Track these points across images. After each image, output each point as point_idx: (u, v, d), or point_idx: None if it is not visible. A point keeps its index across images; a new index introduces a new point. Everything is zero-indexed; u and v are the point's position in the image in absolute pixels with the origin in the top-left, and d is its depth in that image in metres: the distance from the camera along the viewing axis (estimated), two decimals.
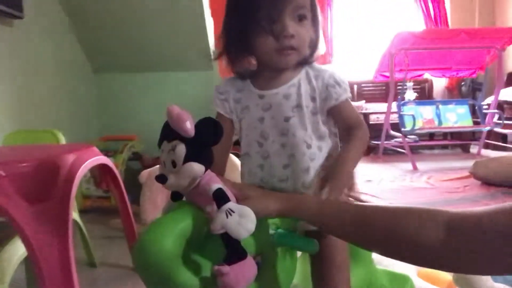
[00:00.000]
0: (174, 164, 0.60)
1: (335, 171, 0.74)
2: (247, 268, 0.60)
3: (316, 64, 0.81)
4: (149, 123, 2.92)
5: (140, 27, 2.67)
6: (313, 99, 0.78)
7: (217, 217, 0.58)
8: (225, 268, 0.57)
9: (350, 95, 0.80)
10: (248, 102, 0.81)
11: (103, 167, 1.46)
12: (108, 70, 2.95)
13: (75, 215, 1.56)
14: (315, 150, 0.79)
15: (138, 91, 2.99)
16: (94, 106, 2.95)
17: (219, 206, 0.60)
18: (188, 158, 0.59)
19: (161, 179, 0.60)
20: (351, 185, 0.77)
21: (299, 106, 0.78)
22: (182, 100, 2.97)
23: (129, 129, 2.83)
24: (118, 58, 2.89)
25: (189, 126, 0.59)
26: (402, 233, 0.55)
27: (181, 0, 2.51)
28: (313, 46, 0.79)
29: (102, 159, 1.36)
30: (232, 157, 1.82)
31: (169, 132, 0.61)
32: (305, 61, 0.80)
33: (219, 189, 0.61)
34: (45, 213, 1.04)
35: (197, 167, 0.60)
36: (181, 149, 0.59)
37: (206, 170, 0.63)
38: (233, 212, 0.59)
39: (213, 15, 3.19)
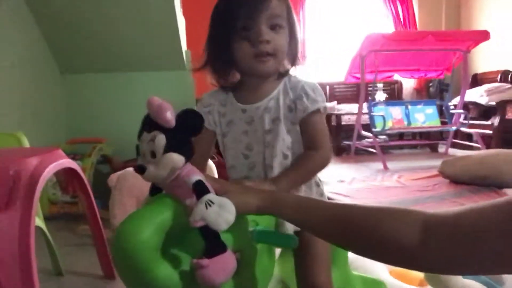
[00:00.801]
0: (153, 154, 0.59)
1: (267, 181, 0.76)
2: (227, 262, 0.60)
3: (293, 76, 0.84)
4: (118, 125, 2.86)
5: (109, 25, 2.59)
6: (290, 109, 0.80)
7: (197, 208, 0.58)
8: (204, 261, 0.57)
9: (321, 105, 0.80)
10: (232, 116, 0.83)
11: (69, 171, 1.41)
12: (75, 70, 2.85)
13: (39, 222, 1.49)
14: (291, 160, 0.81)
15: (107, 92, 2.91)
16: (61, 108, 2.84)
17: (198, 197, 0.59)
18: (168, 149, 0.59)
19: (140, 169, 0.59)
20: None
21: (277, 118, 0.80)
22: None
23: (97, 131, 2.74)
24: (86, 58, 2.79)
25: (170, 116, 0.59)
26: (378, 233, 0.55)
27: (151, 0, 2.46)
28: (293, 57, 0.82)
29: (67, 162, 1.30)
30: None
31: (149, 123, 0.61)
32: (286, 73, 0.83)
33: (199, 181, 0.61)
34: (5, 221, 0.98)
35: (177, 158, 0.60)
36: (161, 139, 0.59)
37: (186, 161, 0.62)
38: (213, 203, 0.58)
39: (185, 14, 3.14)
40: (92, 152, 2.38)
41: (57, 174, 1.69)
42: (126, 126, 2.86)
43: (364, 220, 0.58)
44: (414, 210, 0.55)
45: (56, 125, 2.79)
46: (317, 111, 0.79)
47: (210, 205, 0.58)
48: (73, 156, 2.32)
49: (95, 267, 1.60)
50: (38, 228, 1.40)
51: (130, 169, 1.93)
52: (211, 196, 0.60)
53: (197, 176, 0.62)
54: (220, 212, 0.59)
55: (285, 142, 0.80)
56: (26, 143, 1.66)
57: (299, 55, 0.83)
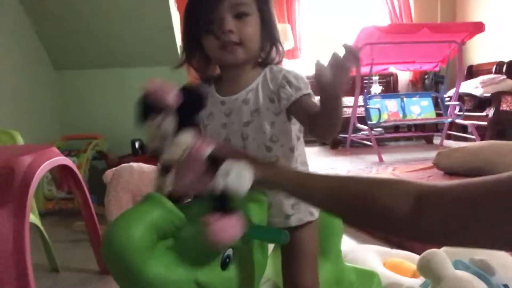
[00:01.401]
0: (164, 138, 0.62)
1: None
2: (234, 224, 0.61)
3: (275, 66, 0.82)
4: (113, 121, 2.85)
5: (104, 21, 2.58)
6: (271, 100, 0.79)
7: (216, 178, 0.61)
8: (213, 218, 0.58)
9: (305, 92, 0.77)
10: (212, 108, 0.82)
11: (64, 168, 1.41)
12: (70, 66, 2.84)
13: (35, 218, 1.49)
14: (280, 151, 0.79)
15: (102, 88, 2.89)
16: (55, 104, 2.83)
17: (216, 166, 0.62)
18: (177, 130, 0.62)
19: (155, 153, 0.62)
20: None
21: (257, 110, 0.78)
22: None
23: (93, 127, 2.74)
24: (80, 54, 2.78)
25: (173, 98, 0.61)
26: (374, 201, 0.55)
27: None
28: (269, 45, 0.80)
29: (62, 159, 1.30)
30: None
31: (151, 106, 0.62)
32: (265, 62, 0.81)
33: (212, 154, 0.64)
34: None
35: (187, 137, 0.63)
36: (169, 122, 0.62)
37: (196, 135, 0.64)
38: (231, 170, 0.61)
39: (179, 10, 3.13)
40: (87, 148, 2.38)
41: (52, 171, 1.69)
42: (121, 122, 2.87)
43: (358, 189, 0.59)
44: (410, 180, 0.55)
45: (51, 122, 2.78)
46: (303, 96, 0.77)
47: (229, 173, 0.61)
48: (68, 152, 2.32)
49: (91, 262, 1.61)
50: (33, 225, 1.41)
51: (126, 165, 1.93)
52: (228, 163, 0.62)
53: (208, 149, 0.64)
54: (239, 178, 0.62)
55: (267, 134, 0.78)
56: (20, 141, 1.65)
57: (277, 41, 0.81)
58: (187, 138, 0.63)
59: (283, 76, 0.78)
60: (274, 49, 0.81)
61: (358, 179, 0.62)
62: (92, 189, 1.54)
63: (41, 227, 1.54)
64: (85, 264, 1.65)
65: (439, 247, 1.00)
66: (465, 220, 0.47)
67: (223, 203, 0.62)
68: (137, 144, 2.59)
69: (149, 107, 0.62)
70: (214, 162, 0.63)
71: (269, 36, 0.80)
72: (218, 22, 0.74)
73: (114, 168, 1.93)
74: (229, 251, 0.67)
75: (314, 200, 0.66)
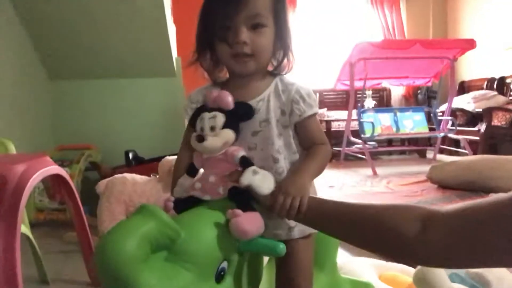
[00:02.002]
0: (212, 128, 0.72)
1: (289, 180, 0.73)
2: (257, 218, 0.69)
3: (286, 77, 0.82)
4: (107, 132, 2.84)
5: (99, 31, 2.58)
6: (283, 112, 0.79)
7: (245, 173, 0.70)
8: (239, 211, 0.66)
9: (316, 111, 0.79)
10: None
11: (57, 178, 1.39)
12: (64, 76, 2.83)
13: (25, 229, 1.47)
14: (284, 164, 0.78)
15: (97, 98, 2.89)
16: (49, 114, 2.81)
17: (245, 167, 0.72)
18: (225, 126, 0.73)
19: (200, 138, 0.71)
20: (303, 196, 0.71)
21: (267, 120, 0.78)
22: (143, 107, 2.90)
23: (86, 138, 2.72)
24: (75, 64, 2.77)
25: (231, 99, 0.74)
26: (383, 225, 0.57)
27: (142, 6, 2.46)
28: (282, 54, 0.80)
29: (55, 169, 1.29)
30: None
31: (207, 108, 0.75)
32: (275, 72, 0.81)
33: (245, 156, 0.74)
34: None
35: (231, 133, 0.74)
36: (221, 117, 0.73)
37: (235, 140, 0.75)
38: (258, 172, 0.71)
39: (175, 22, 3.15)
40: (81, 158, 2.36)
41: (44, 180, 1.66)
42: (115, 133, 2.87)
43: (366, 213, 0.61)
44: (415, 206, 0.57)
45: (44, 131, 2.76)
46: (313, 115, 0.79)
47: (256, 173, 0.71)
48: (61, 162, 2.29)
49: (82, 274, 1.58)
50: (23, 235, 1.38)
51: (119, 175, 1.91)
52: (255, 168, 0.72)
53: (243, 152, 0.75)
54: (264, 179, 0.71)
55: (275, 145, 0.78)
56: (12, 149, 1.63)
57: (290, 51, 0.81)
58: (229, 134, 0.73)
59: (296, 90, 0.78)
60: (286, 58, 0.81)
61: (366, 205, 0.64)
62: (84, 200, 1.52)
63: (32, 238, 1.51)
64: (76, 276, 1.62)
65: None
66: (472, 243, 0.48)
67: (245, 202, 0.70)
68: (130, 155, 2.58)
69: (205, 109, 0.75)
70: (244, 164, 0.72)
71: (283, 46, 0.79)
72: (233, 31, 0.74)
73: (107, 179, 1.92)
74: (224, 264, 0.66)
75: (322, 225, 0.69)
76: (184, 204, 0.73)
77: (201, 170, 0.80)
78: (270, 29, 0.76)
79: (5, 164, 1.11)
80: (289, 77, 0.82)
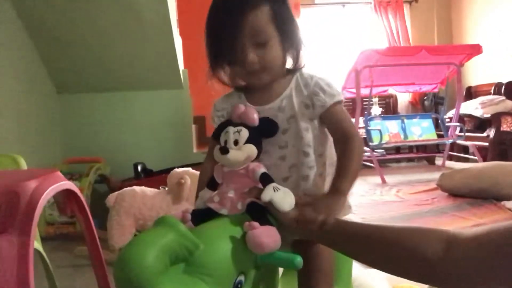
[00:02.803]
0: (236, 142, 0.74)
1: (322, 196, 0.73)
2: (274, 233, 0.68)
3: (304, 72, 0.82)
4: (116, 144, 2.86)
5: (107, 45, 2.61)
6: (307, 106, 0.79)
7: (267, 189, 0.71)
8: (256, 224, 0.66)
9: (339, 99, 0.79)
10: None
11: (67, 192, 1.39)
12: (73, 90, 2.86)
13: (37, 244, 1.47)
14: (313, 157, 0.79)
15: (105, 111, 2.91)
16: (57, 128, 2.84)
17: (266, 183, 0.72)
18: (248, 141, 0.74)
19: (225, 150, 0.73)
20: (329, 215, 0.69)
21: (293, 116, 0.79)
22: (151, 119, 2.92)
23: (95, 151, 2.73)
24: (83, 78, 2.80)
25: (256, 116, 0.76)
26: (406, 247, 0.57)
27: (149, 19, 2.48)
28: (296, 53, 0.81)
29: (67, 184, 1.29)
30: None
31: (232, 123, 0.77)
32: (293, 70, 0.82)
33: (266, 173, 0.75)
34: (3, 245, 0.96)
35: (254, 149, 0.75)
36: (245, 132, 0.75)
37: (257, 156, 0.76)
38: (279, 189, 0.71)
39: (181, 34, 3.18)
40: (90, 172, 2.37)
41: (55, 195, 1.67)
42: (123, 145, 2.88)
43: (388, 236, 0.61)
44: (438, 229, 0.58)
45: (53, 145, 2.78)
46: (337, 103, 0.79)
47: (277, 190, 0.71)
48: (71, 176, 2.31)
49: None
50: (35, 250, 1.38)
51: (128, 188, 1.92)
52: (276, 184, 0.72)
53: (263, 169, 0.75)
54: (285, 196, 0.71)
55: (305, 139, 0.78)
56: (24, 165, 1.64)
57: (302, 48, 0.82)
58: (252, 149, 0.75)
59: (315, 83, 0.79)
60: (300, 54, 0.82)
61: (388, 227, 0.64)
62: (94, 213, 1.52)
63: (43, 253, 1.51)
64: None
65: None
66: (492, 265, 0.48)
67: (263, 216, 0.70)
68: (139, 168, 2.58)
69: (229, 123, 0.78)
70: (265, 181, 0.73)
71: (294, 46, 0.80)
72: (241, 52, 0.75)
73: (116, 192, 1.92)
74: (241, 277, 0.66)
75: (340, 245, 0.69)
76: (201, 216, 0.73)
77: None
78: (275, 39, 0.76)
79: (17, 180, 1.12)
80: (307, 70, 0.83)
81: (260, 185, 0.75)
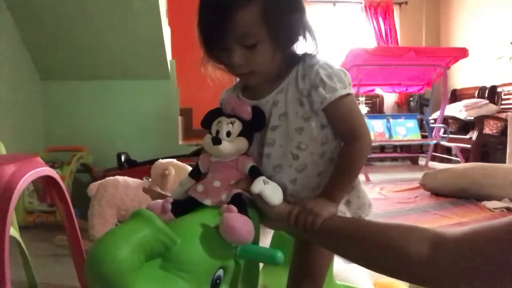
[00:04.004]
0: (228, 134, 0.72)
1: (313, 197, 0.71)
2: (249, 225, 0.65)
3: (311, 58, 0.73)
4: (99, 134, 2.81)
5: (93, 33, 2.56)
6: (301, 103, 0.72)
7: (256, 181, 0.70)
8: (234, 208, 0.64)
9: (342, 93, 0.69)
10: None
11: (47, 179, 1.36)
12: (56, 77, 2.80)
13: (14, 231, 1.43)
14: (307, 159, 0.73)
15: (89, 100, 2.85)
16: (40, 115, 2.77)
17: (255, 177, 0.71)
18: (241, 134, 0.73)
19: (217, 141, 0.71)
20: (317, 215, 0.67)
21: (285, 114, 0.73)
22: (136, 109, 2.88)
23: (77, 139, 2.68)
24: (67, 65, 2.74)
25: (249, 110, 0.74)
26: (391, 245, 0.57)
27: (137, 9, 2.44)
28: (305, 38, 0.73)
29: (46, 170, 1.26)
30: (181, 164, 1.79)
31: (224, 114, 0.76)
32: (299, 59, 0.74)
33: (255, 166, 0.74)
34: None
35: (245, 143, 0.74)
36: (239, 125, 0.73)
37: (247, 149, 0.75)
38: (268, 183, 0.71)
39: (170, 24, 3.13)
40: (72, 160, 2.32)
41: (34, 182, 1.63)
42: (107, 135, 2.83)
43: (374, 232, 0.60)
44: (424, 228, 0.57)
45: (35, 132, 2.72)
46: (340, 98, 0.69)
47: (267, 184, 0.70)
48: (52, 164, 2.26)
49: (72, 279, 1.53)
50: (12, 238, 1.35)
51: (111, 178, 1.88)
52: (265, 178, 0.72)
53: (253, 162, 0.75)
54: (274, 190, 0.71)
55: (294, 141, 0.72)
56: (3, 150, 1.60)
57: (306, 34, 0.72)
58: (244, 143, 0.74)
59: (315, 73, 0.70)
60: (308, 39, 0.72)
61: (376, 223, 0.63)
62: (75, 202, 1.49)
63: (21, 241, 1.47)
64: (66, 281, 1.58)
65: None
66: (476, 264, 0.48)
67: (243, 207, 0.67)
68: (123, 158, 2.54)
69: (221, 113, 0.76)
70: (253, 175, 0.72)
71: (293, 40, 0.72)
72: (228, 52, 0.69)
73: (99, 181, 1.89)
74: (220, 272, 0.64)
75: (327, 242, 0.68)
76: (182, 207, 0.71)
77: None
78: (265, 43, 0.68)
79: None
80: (312, 57, 0.74)
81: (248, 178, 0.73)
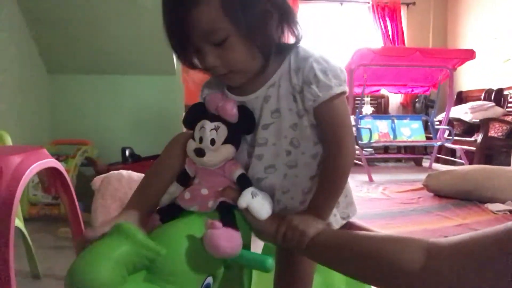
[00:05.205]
0: (213, 142, 0.66)
1: (298, 213, 0.67)
2: (235, 238, 0.61)
3: (302, 49, 0.67)
4: (104, 128, 2.82)
5: (99, 27, 2.57)
6: (294, 99, 0.66)
7: (244, 194, 0.65)
8: (218, 224, 0.59)
9: (336, 92, 0.64)
10: None
11: (52, 171, 1.37)
12: (63, 70, 2.81)
13: (19, 222, 1.45)
14: (298, 157, 0.69)
15: (95, 94, 2.86)
16: (46, 108, 2.79)
17: (244, 187, 0.67)
18: (227, 140, 0.67)
19: (200, 152, 0.66)
20: (305, 230, 0.64)
21: (278, 110, 0.67)
22: (142, 104, 2.89)
23: (82, 133, 2.69)
24: (74, 59, 2.75)
25: (236, 112, 0.67)
26: (382, 259, 0.56)
27: (143, 3, 2.44)
28: (281, 31, 0.66)
29: (52, 162, 1.27)
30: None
31: (208, 114, 0.69)
32: (290, 49, 0.68)
33: (243, 174, 0.69)
34: None
35: (232, 149, 0.68)
36: (224, 130, 0.67)
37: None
38: (257, 195, 0.66)
39: None
40: (77, 153, 2.34)
41: (39, 174, 1.64)
42: (111, 129, 2.84)
43: (367, 245, 0.59)
44: (417, 238, 0.57)
45: (41, 125, 2.73)
46: (333, 97, 0.64)
47: (255, 196, 0.66)
48: (57, 157, 2.27)
49: None
50: (16, 229, 1.36)
51: (115, 172, 1.89)
52: (254, 189, 0.67)
53: (241, 170, 0.69)
54: (263, 203, 0.67)
55: (288, 138, 0.68)
56: (9, 141, 1.61)
57: (285, 28, 0.65)
58: (230, 151, 0.68)
59: (310, 67, 0.64)
60: (289, 29, 0.66)
61: (368, 236, 0.61)
62: (79, 195, 1.50)
63: (25, 232, 1.49)
64: None
65: None
66: (472, 272, 0.48)
67: (230, 217, 0.64)
68: (127, 152, 2.56)
69: (203, 112, 0.69)
70: (241, 184, 0.68)
71: (261, 31, 0.63)
72: (200, 54, 0.64)
73: (103, 175, 1.90)
74: (209, 280, 0.62)
75: (318, 258, 0.66)
76: (170, 213, 0.68)
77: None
78: (234, 36, 0.61)
79: (1, 155, 1.09)
80: (306, 47, 0.68)
81: (236, 186, 0.69)
